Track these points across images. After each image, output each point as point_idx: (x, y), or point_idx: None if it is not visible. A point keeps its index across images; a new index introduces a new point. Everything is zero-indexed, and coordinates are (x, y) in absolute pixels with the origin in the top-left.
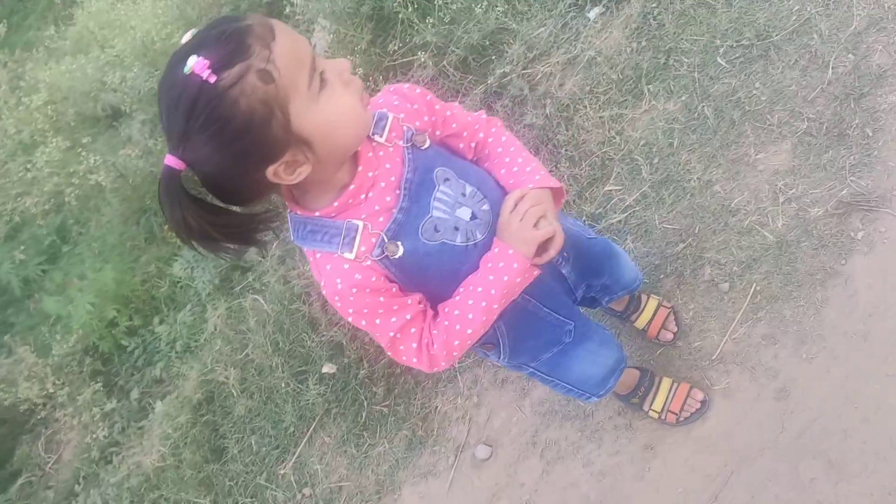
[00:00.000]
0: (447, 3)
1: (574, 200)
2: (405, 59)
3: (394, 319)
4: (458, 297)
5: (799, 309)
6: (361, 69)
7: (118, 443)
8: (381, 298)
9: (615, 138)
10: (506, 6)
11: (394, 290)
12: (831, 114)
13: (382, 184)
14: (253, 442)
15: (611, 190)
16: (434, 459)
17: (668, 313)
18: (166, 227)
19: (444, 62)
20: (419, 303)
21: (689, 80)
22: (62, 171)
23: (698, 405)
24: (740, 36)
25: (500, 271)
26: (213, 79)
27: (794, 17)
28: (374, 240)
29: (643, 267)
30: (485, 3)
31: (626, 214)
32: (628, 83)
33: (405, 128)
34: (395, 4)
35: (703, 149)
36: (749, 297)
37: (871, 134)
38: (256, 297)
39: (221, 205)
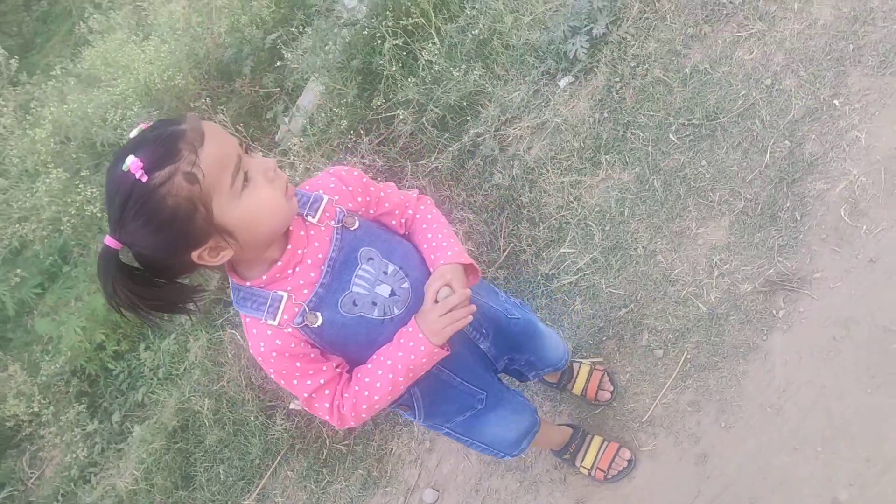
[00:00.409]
0: (430, 64)
1: (531, 260)
2: (387, 114)
3: (309, 382)
4: (370, 366)
5: (722, 379)
6: (346, 121)
7: (97, 463)
8: (298, 364)
9: (573, 203)
10: (484, 70)
11: (312, 355)
12: (766, 196)
13: (309, 261)
14: (221, 472)
15: (565, 252)
16: (385, 500)
17: (602, 374)
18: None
19: (424, 119)
20: (336, 367)
21: (643, 154)
22: (61, 201)
23: (625, 464)
24: (692, 115)
25: (408, 350)
26: (144, 178)
27: (740, 101)
28: (296, 309)
29: (588, 329)
30: (464, 66)
31: (577, 277)
32: (588, 151)
33: (338, 209)
34: (382, 61)
35: (650, 219)
36: (680, 364)
37: (799, 218)
38: (234, 331)
39: (152, 279)
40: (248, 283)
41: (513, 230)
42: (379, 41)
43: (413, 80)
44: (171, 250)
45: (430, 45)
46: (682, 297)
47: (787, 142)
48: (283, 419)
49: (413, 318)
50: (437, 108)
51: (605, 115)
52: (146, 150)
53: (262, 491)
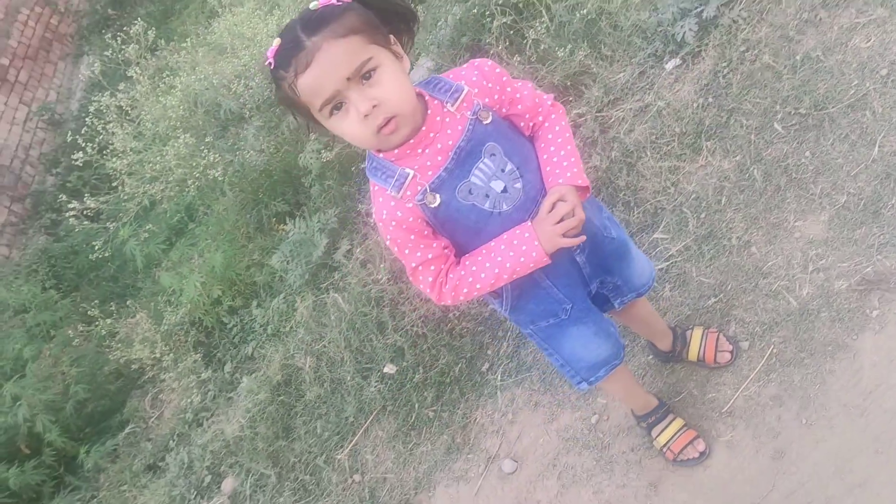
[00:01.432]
0: (537, 43)
1: None
2: None
3: (418, 254)
4: (479, 257)
5: (808, 376)
6: None
7: (209, 408)
8: (412, 236)
9: (670, 189)
10: (590, 50)
11: (426, 232)
12: (871, 191)
13: (439, 145)
14: (318, 426)
15: (658, 238)
16: (467, 466)
17: (718, 336)
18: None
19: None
20: (444, 248)
21: (745, 142)
22: (187, 164)
23: (696, 454)
24: (799, 104)
25: (519, 252)
26: (272, 66)
27: (852, 91)
28: (419, 187)
29: (675, 316)
30: (570, 46)
31: (668, 263)
32: (689, 137)
33: (475, 101)
34: (490, 39)
35: (747, 209)
36: (765, 358)
37: None
38: (336, 295)
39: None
40: (380, 155)
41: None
42: (488, 19)
43: (518, 58)
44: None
45: (539, 23)
46: (773, 290)
47: None
48: (377, 381)
49: (528, 224)
50: (541, 87)
51: (710, 100)
52: (282, 43)
53: (354, 447)
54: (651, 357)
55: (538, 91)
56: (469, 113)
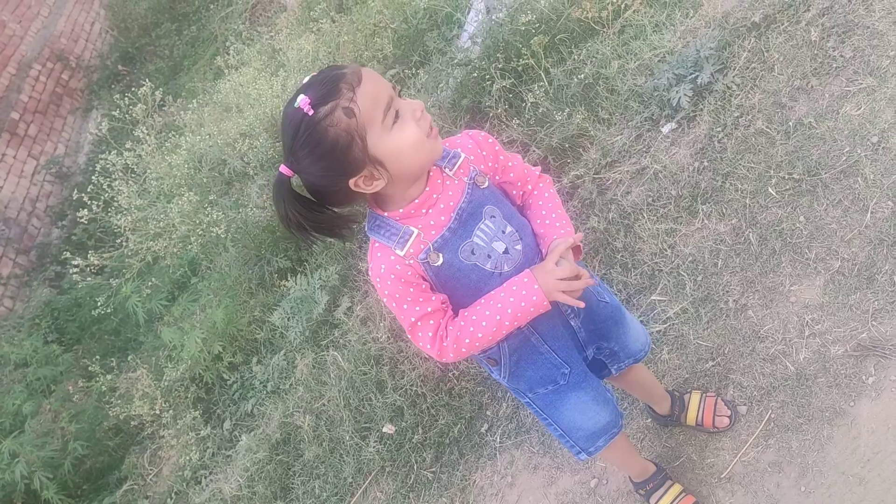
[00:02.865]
0: (535, 106)
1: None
2: None
3: (417, 308)
4: (479, 306)
5: (806, 442)
6: None
7: (207, 466)
8: (411, 289)
9: (667, 251)
10: (587, 113)
11: (423, 286)
12: (865, 257)
13: (442, 206)
14: (316, 486)
15: (655, 300)
16: None
17: (716, 400)
18: (280, 224)
19: (526, 160)
20: (442, 302)
21: (740, 205)
22: (190, 221)
23: None
24: (793, 169)
25: (520, 297)
26: (311, 112)
27: (844, 158)
28: (422, 246)
29: (673, 379)
30: (567, 109)
31: (665, 325)
32: (686, 200)
33: (472, 168)
34: (490, 102)
35: (743, 273)
36: (763, 423)
37: None
38: (336, 353)
39: (317, 205)
40: (385, 214)
41: (605, 274)
42: (488, 82)
43: (517, 121)
44: (333, 176)
45: (538, 87)
46: (770, 354)
47: (890, 202)
48: (376, 441)
49: (529, 269)
50: (539, 149)
51: (705, 164)
52: (313, 90)
53: None
54: (649, 420)
55: (527, 164)
56: (466, 178)
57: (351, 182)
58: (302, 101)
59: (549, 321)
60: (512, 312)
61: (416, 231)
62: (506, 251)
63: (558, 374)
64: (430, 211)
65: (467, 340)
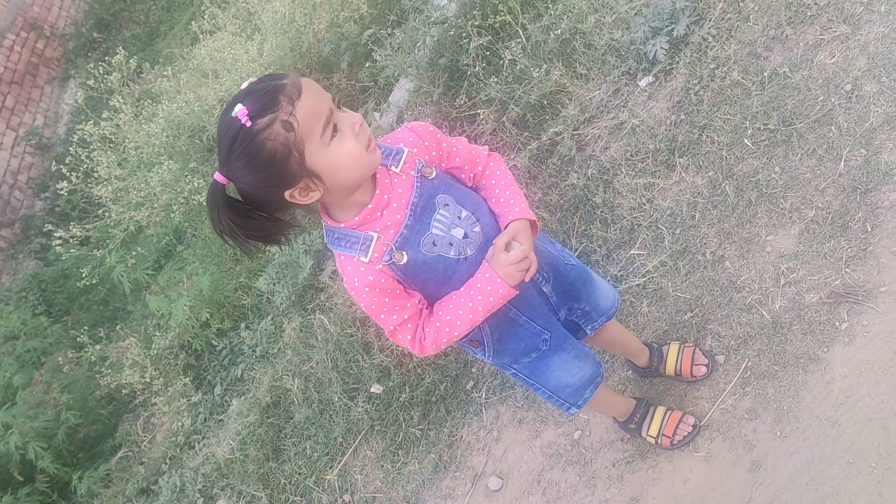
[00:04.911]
0: (513, 63)
1: (601, 261)
2: (470, 112)
3: (395, 317)
4: (451, 305)
5: (781, 389)
6: (431, 119)
7: (200, 431)
8: (387, 299)
9: (645, 205)
10: (565, 69)
11: (398, 291)
12: (838, 205)
13: (394, 204)
14: (307, 447)
15: (634, 254)
16: (454, 484)
17: (693, 349)
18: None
19: (504, 118)
20: (418, 302)
21: (717, 158)
22: (172, 189)
23: (690, 429)
24: (768, 120)
25: (486, 292)
26: (248, 124)
27: (818, 108)
28: (384, 248)
29: (653, 331)
30: (545, 66)
31: (644, 279)
32: (663, 154)
33: (417, 160)
34: (467, 60)
35: (720, 225)
36: (740, 371)
37: (870, 229)
38: (323, 316)
39: (251, 212)
40: (341, 225)
41: (585, 230)
42: (465, 40)
43: (496, 79)
44: (268, 188)
45: (515, 43)
46: (747, 304)
47: (863, 150)
48: (364, 401)
49: (486, 265)
50: (517, 106)
51: (682, 117)
52: (252, 100)
53: (343, 467)
54: (629, 372)
55: (473, 145)
56: (413, 171)
57: (286, 194)
58: (240, 111)
59: (523, 292)
60: (483, 308)
61: (375, 235)
62: (465, 236)
63: (539, 342)
64: (385, 212)
65: (444, 339)
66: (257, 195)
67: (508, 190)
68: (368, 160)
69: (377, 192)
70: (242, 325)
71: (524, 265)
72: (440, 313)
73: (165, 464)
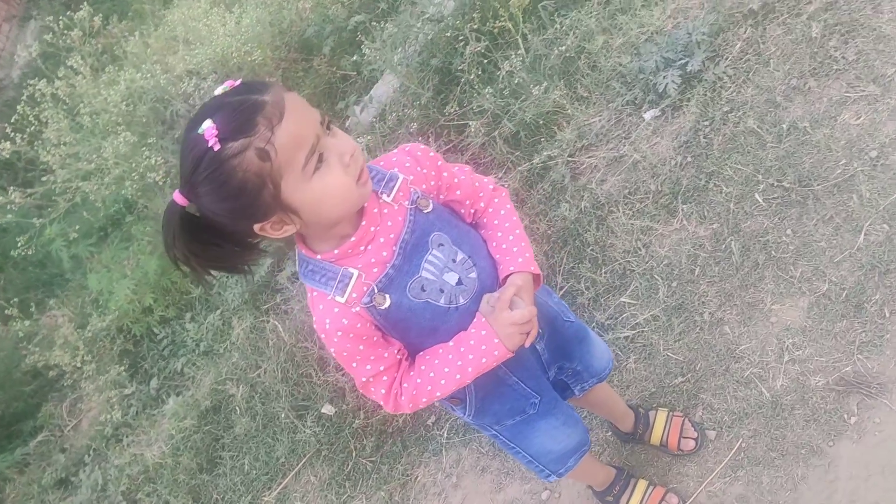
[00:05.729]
0: (511, 75)
1: (588, 304)
2: (459, 122)
3: (368, 367)
4: (436, 360)
5: (777, 479)
6: (417, 124)
7: (130, 425)
8: (361, 347)
9: (640, 250)
10: (566, 90)
11: (375, 338)
12: (854, 282)
13: (381, 239)
14: (246, 462)
15: (625, 303)
16: None
17: (683, 420)
18: None
19: (496, 133)
20: (397, 353)
21: (723, 209)
22: (126, 163)
23: None
24: (783, 176)
25: (480, 352)
26: (217, 147)
27: (839, 171)
28: (365, 288)
29: (638, 391)
30: (545, 83)
31: (634, 332)
32: (665, 197)
33: (412, 190)
34: (462, 65)
35: (722, 284)
36: (733, 451)
37: (887, 314)
38: (277, 322)
39: (212, 240)
40: (318, 257)
41: (573, 268)
42: (461, 43)
43: (490, 90)
44: (235, 219)
45: (514, 54)
46: (745, 377)
47: (885, 226)
48: (313, 422)
49: (483, 320)
50: (511, 122)
51: (689, 159)
52: (224, 117)
53: (283, 490)
54: (609, 433)
55: (477, 175)
56: (407, 203)
57: (256, 227)
58: (208, 129)
59: (517, 351)
60: (473, 369)
61: (355, 272)
62: (459, 282)
63: (528, 405)
64: (370, 247)
65: (424, 399)
66: (222, 224)
67: (513, 234)
68: (357, 195)
69: (363, 223)
70: (188, 316)
71: (527, 328)
72: (423, 368)
73: (88, 455)
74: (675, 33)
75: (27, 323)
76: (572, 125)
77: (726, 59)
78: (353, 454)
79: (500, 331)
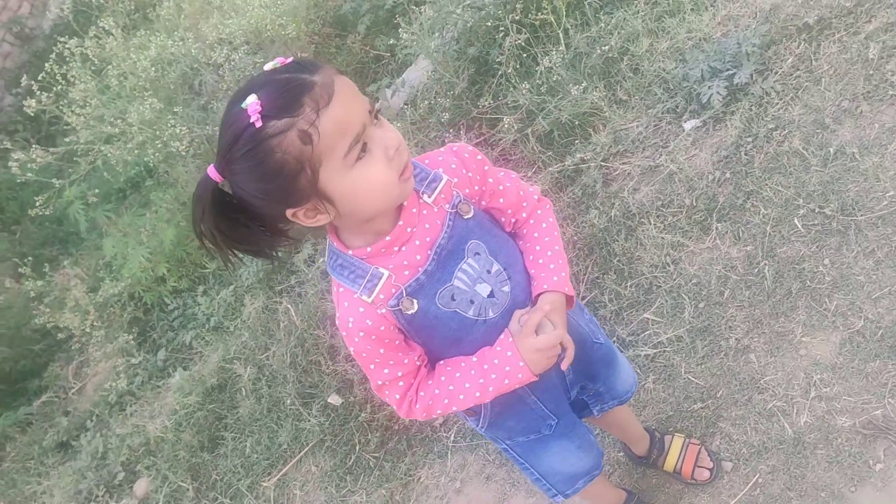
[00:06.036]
0: (549, 72)
1: (610, 317)
2: (493, 116)
3: (386, 371)
4: (457, 373)
5: None
6: (448, 114)
7: (134, 394)
8: (382, 350)
9: (669, 266)
10: (605, 91)
11: (397, 342)
12: (891, 321)
13: (417, 241)
14: (248, 445)
15: (648, 319)
16: None
17: (699, 449)
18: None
19: (529, 130)
20: (417, 359)
21: (759, 232)
22: (149, 130)
23: None
24: (825, 203)
25: (504, 374)
26: (259, 123)
27: (885, 202)
28: (394, 290)
29: (654, 413)
30: (584, 83)
31: (655, 351)
32: (699, 213)
33: (455, 193)
34: (500, 58)
35: (751, 310)
36: (749, 486)
37: None
38: (290, 305)
39: (242, 220)
40: (349, 252)
41: (597, 278)
42: (501, 34)
43: (527, 85)
44: (268, 201)
45: (555, 50)
46: (767, 409)
47: None
48: (319, 411)
49: (510, 341)
50: (545, 121)
51: (728, 175)
52: (269, 93)
53: (283, 477)
54: (621, 454)
55: (523, 183)
56: (448, 206)
57: (289, 212)
58: (251, 105)
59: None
60: (494, 389)
61: (386, 273)
62: (491, 294)
63: (543, 425)
64: (405, 248)
65: (439, 410)
66: (254, 205)
67: (551, 250)
68: (398, 191)
69: (400, 222)
70: (201, 289)
71: (555, 352)
72: (442, 379)
73: (91, 421)
74: (724, 42)
75: (39, 283)
76: (608, 129)
77: (776, 73)
78: (357, 448)
79: (525, 355)
